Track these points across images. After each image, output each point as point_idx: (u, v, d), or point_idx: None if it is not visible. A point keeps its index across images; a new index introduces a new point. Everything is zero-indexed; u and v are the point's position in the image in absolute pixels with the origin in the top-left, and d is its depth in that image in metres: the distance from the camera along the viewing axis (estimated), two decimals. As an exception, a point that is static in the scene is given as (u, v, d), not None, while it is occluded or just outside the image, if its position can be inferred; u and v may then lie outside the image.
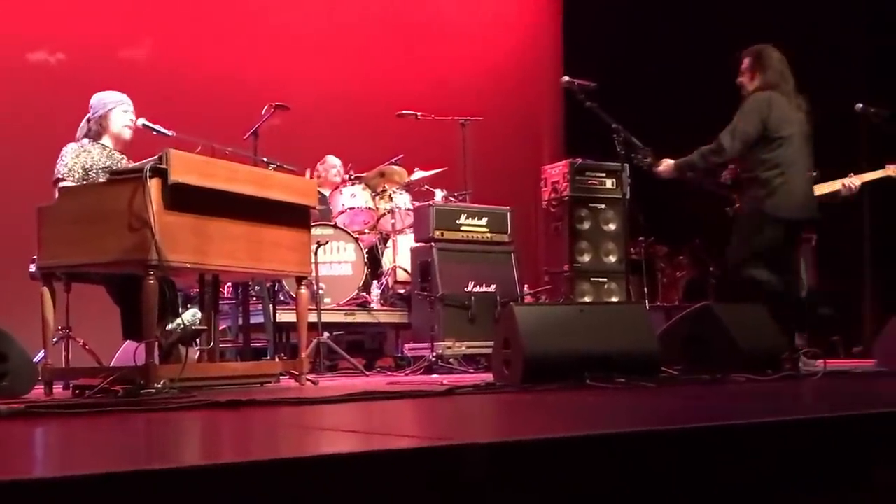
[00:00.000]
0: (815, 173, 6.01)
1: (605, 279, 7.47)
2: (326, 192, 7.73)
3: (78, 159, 5.04)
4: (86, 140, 5.16)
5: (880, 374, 5.22)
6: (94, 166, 5.02)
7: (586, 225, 7.53)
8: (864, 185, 6.02)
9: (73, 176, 4.99)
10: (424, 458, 1.79)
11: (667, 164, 5.83)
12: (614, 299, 7.35)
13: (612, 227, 7.56)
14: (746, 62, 5.77)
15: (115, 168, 4.93)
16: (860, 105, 6.10)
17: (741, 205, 5.77)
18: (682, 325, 5.06)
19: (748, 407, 3.13)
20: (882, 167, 6.03)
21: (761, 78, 5.69)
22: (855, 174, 6.01)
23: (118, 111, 5.17)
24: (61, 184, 4.95)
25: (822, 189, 6.00)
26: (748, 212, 5.68)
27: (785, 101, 5.64)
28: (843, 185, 5.99)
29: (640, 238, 8.72)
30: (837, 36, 8.92)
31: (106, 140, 5.18)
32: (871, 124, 6.13)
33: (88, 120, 5.20)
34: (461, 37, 10.26)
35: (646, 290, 8.78)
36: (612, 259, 7.54)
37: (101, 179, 4.86)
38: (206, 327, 4.98)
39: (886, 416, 2.45)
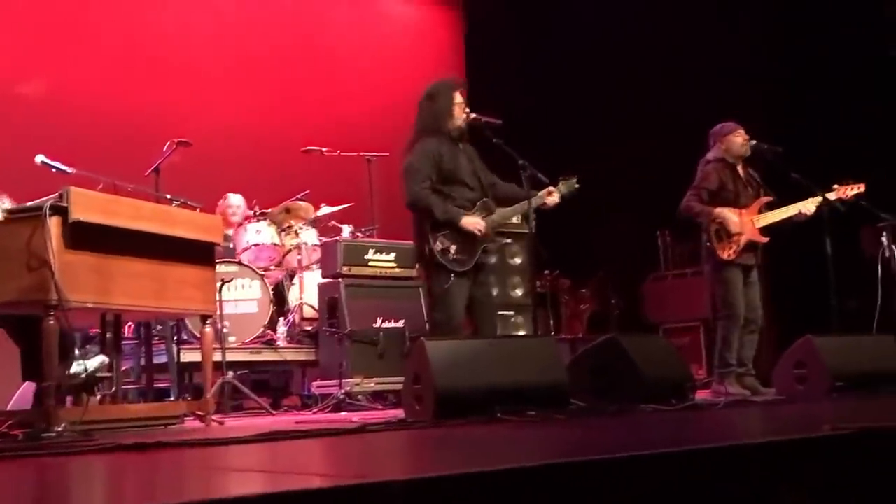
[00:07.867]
0: (770, 198, 6.15)
1: (511, 312, 7.51)
2: (229, 232, 7.62)
3: None
4: None
5: (779, 402, 5.37)
6: None
7: (492, 259, 7.58)
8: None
9: None
10: (340, 497, 1.77)
11: None
12: (521, 333, 7.40)
13: (517, 261, 7.62)
14: None
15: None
16: (754, 142, 6.29)
17: None
18: (588, 356, 5.13)
19: (655, 437, 3.18)
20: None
21: None
22: (811, 198, 6.10)
23: None
24: None
25: (778, 214, 6.13)
26: None
27: None
28: (800, 210, 6.12)
29: (545, 272, 8.84)
30: (739, 70, 9.19)
31: None
32: (765, 161, 6.32)
33: None
34: (366, 72, 10.28)
35: (551, 322, 8.89)
36: (519, 292, 7.59)
37: None
38: (110, 374, 4.86)
39: (789, 443, 2.51)
